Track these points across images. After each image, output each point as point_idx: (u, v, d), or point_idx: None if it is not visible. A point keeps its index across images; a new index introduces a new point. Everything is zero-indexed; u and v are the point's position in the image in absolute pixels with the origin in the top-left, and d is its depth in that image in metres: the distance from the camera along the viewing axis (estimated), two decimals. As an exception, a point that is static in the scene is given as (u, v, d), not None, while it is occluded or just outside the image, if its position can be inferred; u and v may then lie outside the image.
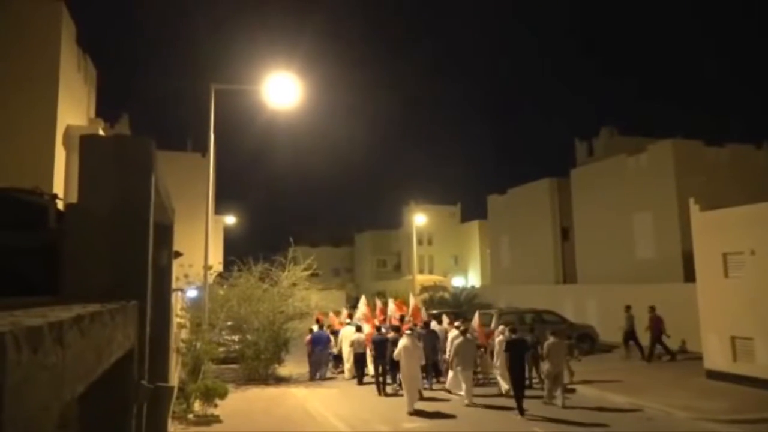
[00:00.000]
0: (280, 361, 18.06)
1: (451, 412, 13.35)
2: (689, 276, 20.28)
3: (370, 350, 16.26)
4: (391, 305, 20.20)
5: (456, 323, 16.01)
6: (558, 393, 13.31)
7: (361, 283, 59.70)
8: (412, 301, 20.71)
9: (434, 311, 24.02)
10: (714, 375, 15.65)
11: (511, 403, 12.93)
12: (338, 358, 18.64)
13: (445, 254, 58.58)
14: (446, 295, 36.75)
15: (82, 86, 16.04)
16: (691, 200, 17.59)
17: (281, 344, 17.80)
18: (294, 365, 18.65)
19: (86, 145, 2.75)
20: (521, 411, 12.44)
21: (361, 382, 16.77)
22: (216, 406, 12.36)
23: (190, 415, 12.03)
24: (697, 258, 17.15)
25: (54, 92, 13.04)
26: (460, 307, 30.58)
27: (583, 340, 21.48)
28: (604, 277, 28.74)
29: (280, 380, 17.29)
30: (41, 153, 12.53)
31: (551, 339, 13.71)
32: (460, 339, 14.07)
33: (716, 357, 15.96)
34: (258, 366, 17.16)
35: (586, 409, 13.19)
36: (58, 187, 12.25)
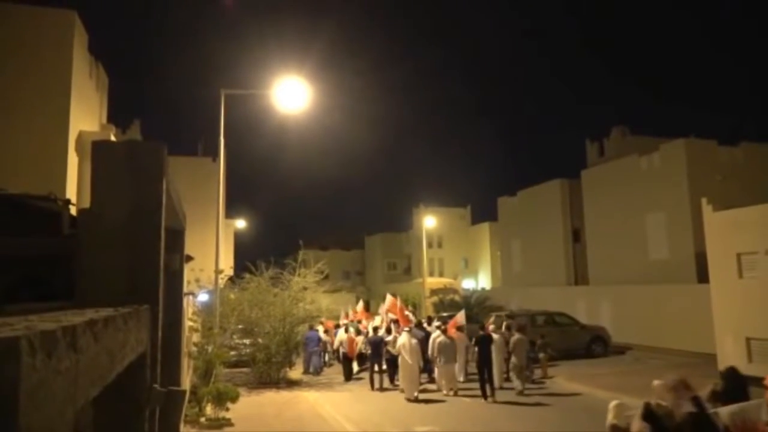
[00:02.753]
0: (291, 365, 18.12)
1: (460, 412, 13.39)
2: (703, 277, 20.07)
3: (365, 350, 17.77)
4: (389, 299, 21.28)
5: (437, 323, 17.74)
6: (520, 383, 15.00)
7: (372, 286, 59.65)
8: (389, 299, 21.22)
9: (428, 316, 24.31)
10: (729, 377, 15.46)
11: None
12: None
13: (456, 257, 58.35)
14: (457, 298, 36.56)
15: (94, 93, 16.21)
16: (704, 200, 17.42)
17: (292, 348, 17.86)
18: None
19: (98, 151, 2.77)
20: (485, 396, 14.25)
21: (348, 379, 17.93)
22: (228, 409, 12.40)
23: (202, 419, 12.07)
24: (711, 258, 16.99)
25: (66, 99, 13.19)
26: (470, 309, 30.43)
27: (596, 342, 21.34)
28: (617, 278, 28.53)
29: (292, 383, 17.32)
30: (54, 159, 12.67)
31: (516, 335, 15.50)
32: (442, 338, 15.63)
33: (731, 359, 15.77)
34: (269, 369, 17.20)
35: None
36: (71, 193, 12.38)
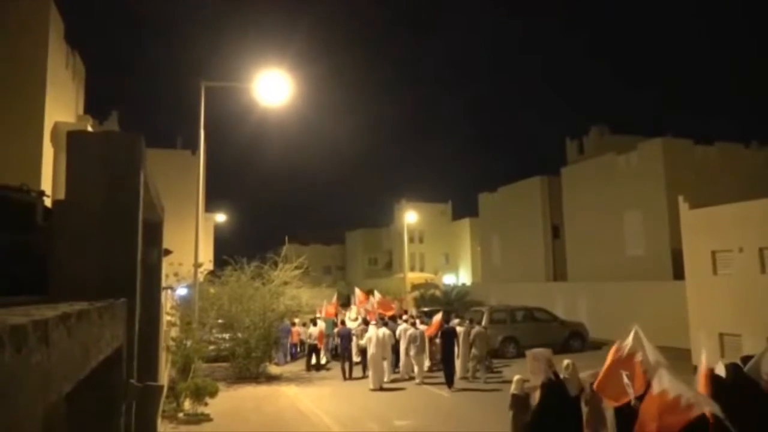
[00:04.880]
0: (270, 360, 18.05)
1: (434, 404, 13.64)
2: (679, 273, 20.43)
3: (336, 342, 18.56)
4: (370, 297, 22.20)
5: (405, 317, 18.66)
6: (480, 373, 15.98)
7: (353, 281, 59.60)
8: (358, 293, 22.75)
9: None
10: (702, 371, 15.78)
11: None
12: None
13: (436, 252, 58.57)
14: (437, 293, 36.78)
15: (70, 83, 15.88)
16: (680, 198, 17.73)
17: (272, 342, 17.79)
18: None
19: (74, 142, 2.71)
20: (450, 384, 15.14)
21: (310, 369, 18.62)
22: (206, 404, 12.30)
23: (181, 414, 11.97)
24: (686, 255, 17.30)
25: (42, 89, 12.90)
26: (450, 304, 30.63)
27: (574, 338, 21.61)
28: (595, 274, 28.92)
29: (271, 378, 17.26)
30: (28, 150, 12.39)
31: (476, 328, 16.63)
32: (412, 330, 16.34)
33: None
34: (249, 364, 17.11)
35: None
36: (46, 184, 12.13)
